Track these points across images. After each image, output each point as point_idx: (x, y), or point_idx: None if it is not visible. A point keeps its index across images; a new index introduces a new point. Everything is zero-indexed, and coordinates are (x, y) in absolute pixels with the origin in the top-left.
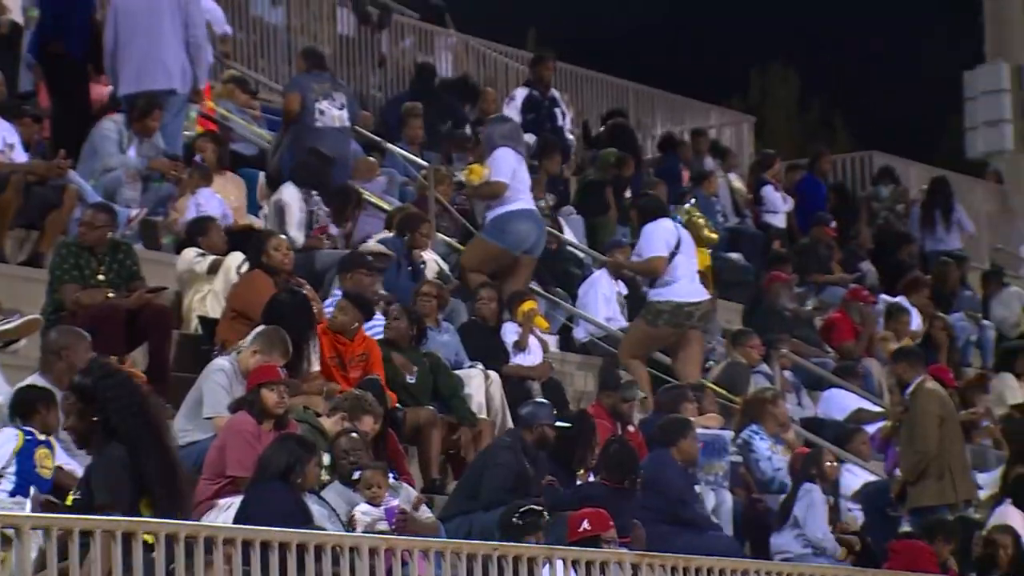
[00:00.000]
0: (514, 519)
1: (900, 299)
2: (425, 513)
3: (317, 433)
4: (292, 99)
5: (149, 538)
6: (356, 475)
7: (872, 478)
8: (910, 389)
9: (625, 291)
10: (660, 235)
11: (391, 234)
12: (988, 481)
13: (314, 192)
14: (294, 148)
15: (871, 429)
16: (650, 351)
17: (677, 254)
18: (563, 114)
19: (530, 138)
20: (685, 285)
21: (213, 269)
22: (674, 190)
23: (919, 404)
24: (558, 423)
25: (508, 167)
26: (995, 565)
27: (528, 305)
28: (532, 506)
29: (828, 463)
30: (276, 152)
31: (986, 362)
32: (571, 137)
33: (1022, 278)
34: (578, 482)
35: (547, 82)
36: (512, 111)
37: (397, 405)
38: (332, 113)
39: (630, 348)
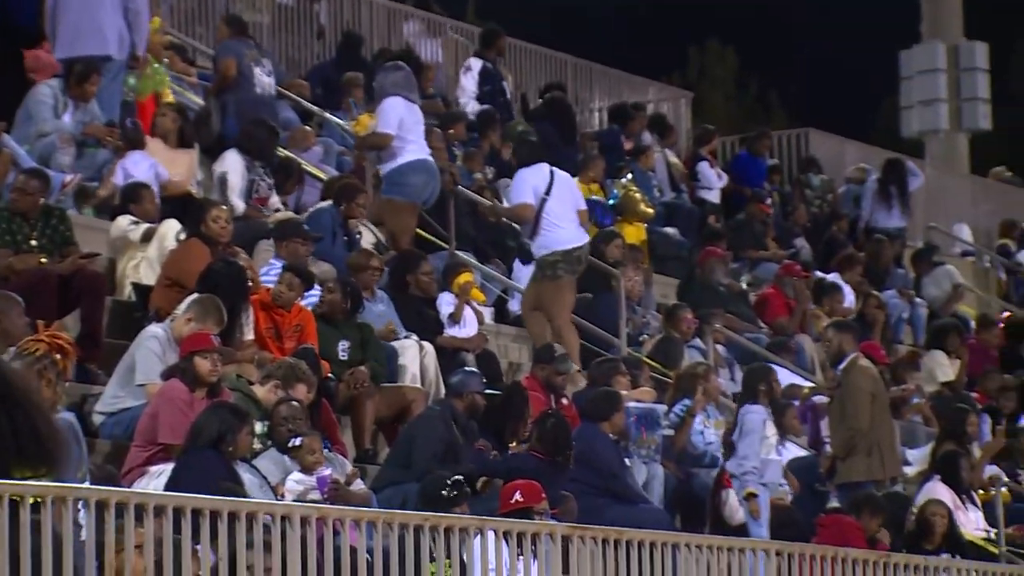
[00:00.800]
0: (443, 492)
1: (834, 276)
2: (359, 486)
3: (250, 401)
4: (229, 64)
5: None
6: (296, 442)
7: (802, 453)
8: (843, 365)
9: None
10: (528, 182)
11: (327, 203)
12: (918, 457)
13: (257, 162)
14: (239, 116)
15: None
16: (569, 305)
17: (548, 200)
18: (506, 87)
19: (479, 108)
20: (565, 231)
21: (147, 238)
22: (613, 162)
23: (851, 380)
24: (488, 391)
25: (395, 117)
26: (928, 539)
27: (464, 278)
28: (458, 478)
29: (774, 380)
30: (207, 119)
31: (917, 339)
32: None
33: (955, 257)
34: (509, 453)
35: (503, 54)
36: (469, 81)
37: (330, 375)
38: (263, 80)
39: (560, 314)
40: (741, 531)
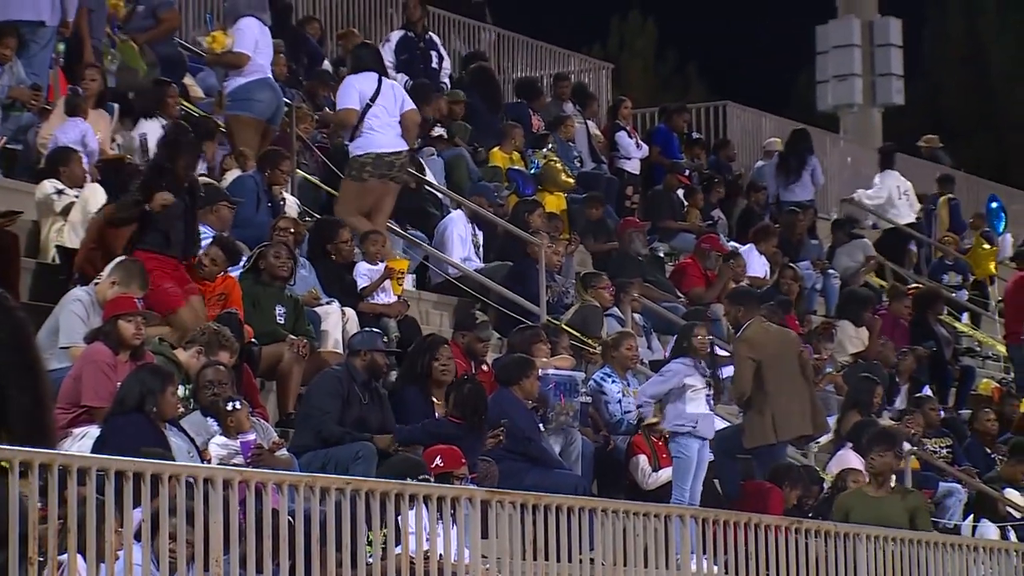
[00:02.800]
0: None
1: (749, 247)
2: (283, 453)
3: (173, 366)
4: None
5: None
6: (236, 405)
7: (724, 424)
8: (738, 334)
9: (481, 232)
10: (355, 88)
11: (251, 170)
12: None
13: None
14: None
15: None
16: (366, 206)
17: (373, 106)
18: (440, 57)
19: (403, 79)
20: (383, 136)
21: (66, 211)
22: (530, 134)
23: (735, 348)
24: (391, 349)
25: (252, 38)
26: None
27: (399, 266)
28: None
29: (698, 336)
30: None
31: (830, 310)
32: (446, 81)
33: (867, 228)
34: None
35: (416, 22)
36: (387, 52)
37: (253, 340)
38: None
39: (346, 208)
40: (663, 496)
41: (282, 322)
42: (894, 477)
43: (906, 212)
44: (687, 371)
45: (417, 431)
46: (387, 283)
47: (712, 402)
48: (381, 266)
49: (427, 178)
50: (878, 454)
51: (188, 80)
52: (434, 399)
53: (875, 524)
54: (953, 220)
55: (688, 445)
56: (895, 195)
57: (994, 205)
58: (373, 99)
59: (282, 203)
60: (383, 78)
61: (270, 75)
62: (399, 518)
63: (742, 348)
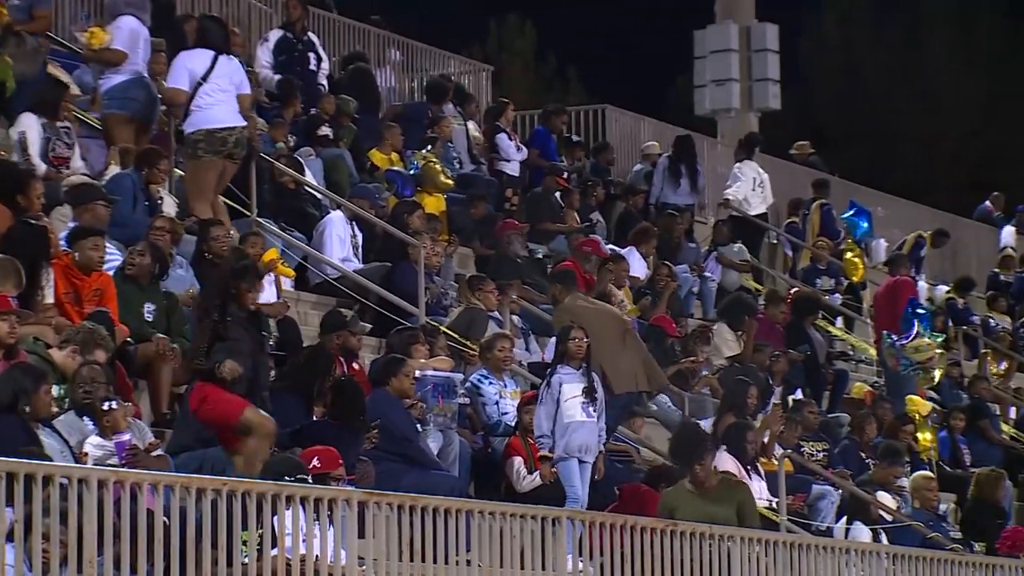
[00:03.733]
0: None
1: (629, 249)
2: (160, 454)
3: (47, 365)
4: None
5: None
6: (110, 405)
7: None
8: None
9: (360, 233)
10: (185, 66)
11: (128, 168)
12: (705, 427)
13: (59, 122)
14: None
15: None
16: (208, 185)
17: (205, 83)
18: (318, 58)
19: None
20: (214, 112)
21: None
22: (416, 135)
23: (555, 315)
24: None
25: (130, 36)
26: None
27: (269, 255)
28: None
29: (575, 340)
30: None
31: (707, 313)
32: (323, 82)
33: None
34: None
35: (295, 22)
36: (264, 52)
37: (128, 339)
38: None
39: (191, 191)
40: (554, 498)
41: (150, 320)
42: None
43: (757, 204)
44: (561, 379)
45: (294, 433)
46: (268, 282)
47: (591, 410)
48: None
49: (306, 178)
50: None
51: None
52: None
53: (702, 521)
54: (826, 225)
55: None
56: (751, 185)
57: (851, 213)
58: (205, 77)
59: (159, 202)
60: (221, 55)
61: (146, 74)
62: (275, 519)
63: (563, 315)
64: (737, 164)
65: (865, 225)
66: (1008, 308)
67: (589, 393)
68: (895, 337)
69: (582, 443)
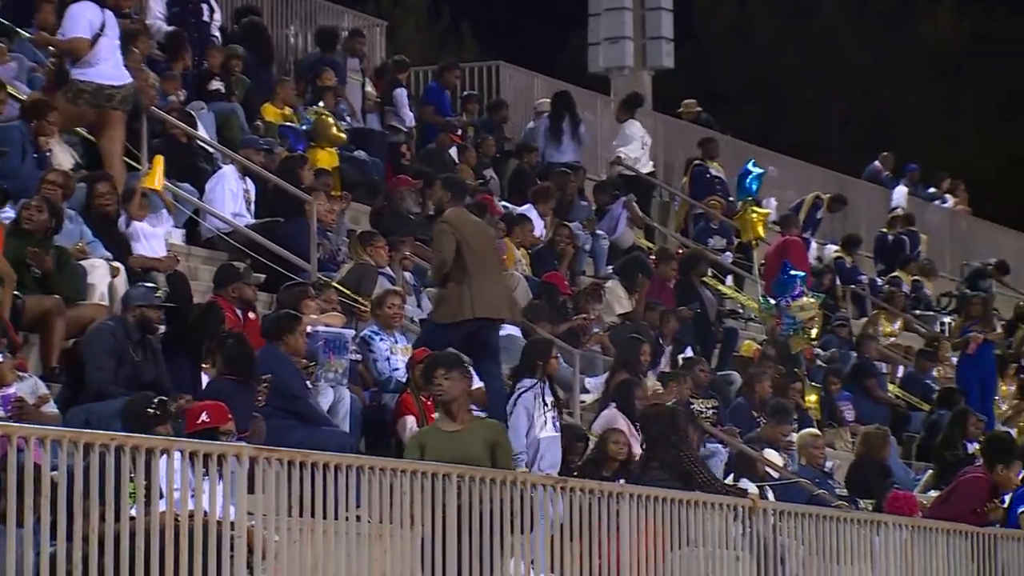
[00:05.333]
0: (148, 409)
1: (527, 207)
2: (50, 408)
3: None
4: None
5: None
6: None
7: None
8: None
9: (253, 187)
10: (83, 16)
11: (16, 120)
12: (596, 385)
13: None
14: None
15: None
16: (74, 126)
17: (101, 36)
18: (211, 10)
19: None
20: (107, 68)
21: None
22: (305, 88)
23: (438, 226)
24: (165, 303)
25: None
26: (606, 465)
27: (151, 179)
28: (163, 398)
29: (553, 357)
30: None
31: (599, 271)
32: (216, 34)
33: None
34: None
35: None
36: (157, 3)
37: (16, 293)
38: None
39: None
40: None
41: (40, 274)
42: (474, 409)
43: (646, 162)
44: (533, 392)
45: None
46: (150, 233)
47: (558, 424)
48: (159, 229)
49: (198, 132)
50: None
51: None
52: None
53: (453, 461)
54: (695, 185)
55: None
56: (639, 144)
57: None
58: (102, 29)
59: (48, 154)
60: (105, 9)
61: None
62: (164, 473)
63: (445, 225)
64: (624, 125)
65: (754, 187)
66: (888, 267)
67: (556, 405)
68: (783, 295)
69: (554, 461)
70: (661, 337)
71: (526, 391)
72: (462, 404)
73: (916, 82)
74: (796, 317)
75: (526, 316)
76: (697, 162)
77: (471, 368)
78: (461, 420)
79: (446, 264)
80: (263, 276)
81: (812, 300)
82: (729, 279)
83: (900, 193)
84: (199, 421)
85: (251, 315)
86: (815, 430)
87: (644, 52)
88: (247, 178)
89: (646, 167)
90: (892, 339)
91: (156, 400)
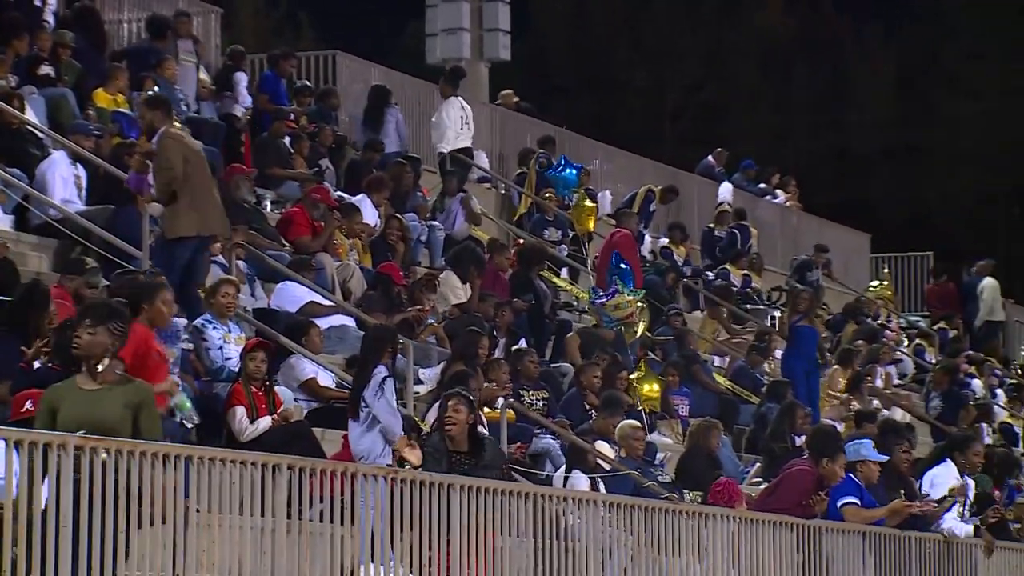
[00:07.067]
0: None
1: (361, 197)
2: None
3: None
4: None
5: None
6: None
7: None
8: (155, 139)
9: (84, 173)
10: None
11: None
12: (430, 376)
13: None
14: None
15: (322, 323)
16: None
17: None
18: None
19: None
20: None
21: None
22: (138, 75)
23: (161, 143)
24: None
25: None
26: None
27: None
28: None
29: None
30: None
31: (434, 261)
32: (49, 19)
33: (473, 183)
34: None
35: None
36: None
37: None
38: None
39: None
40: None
41: None
42: (121, 366)
43: (465, 140)
44: (390, 387)
45: (21, 376)
46: None
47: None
48: None
49: (27, 117)
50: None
51: None
52: (26, 348)
53: (90, 424)
54: (541, 179)
55: None
56: (457, 125)
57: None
58: None
59: None
60: None
61: None
62: None
63: (170, 141)
64: (441, 108)
65: (573, 176)
66: (715, 261)
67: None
68: (599, 293)
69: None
70: (495, 328)
71: (387, 377)
72: (105, 362)
73: (747, 76)
74: (612, 316)
75: (360, 306)
76: (540, 155)
77: (124, 327)
78: (102, 379)
79: (177, 178)
80: (105, 282)
81: (629, 298)
82: (564, 271)
83: (726, 188)
84: (23, 409)
85: None
86: (635, 422)
87: (481, 44)
88: (78, 164)
89: (464, 142)
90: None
91: None
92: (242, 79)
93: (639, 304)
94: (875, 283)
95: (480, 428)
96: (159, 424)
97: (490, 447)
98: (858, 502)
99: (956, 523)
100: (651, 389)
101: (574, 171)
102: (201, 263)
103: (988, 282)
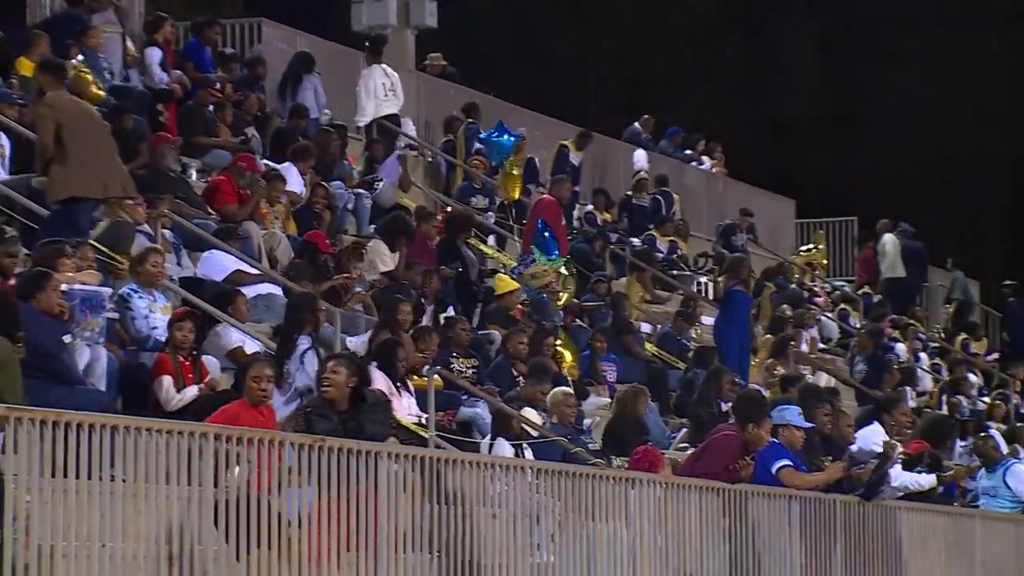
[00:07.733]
0: None
1: (287, 165)
2: None
3: None
4: None
5: None
6: None
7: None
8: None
9: (8, 143)
10: None
11: None
12: (357, 345)
13: None
14: None
15: (249, 292)
16: None
17: None
18: None
19: None
20: None
21: None
22: (62, 43)
23: (36, 111)
24: None
25: None
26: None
27: None
28: None
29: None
30: None
31: (362, 230)
32: None
33: (400, 150)
34: None
35: None
36: None
37: None
38: None
39: None
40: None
41: None
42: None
43: (392, 107)
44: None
45: None
46: None
47: None
48: None
49: None
50: None
51: None
52: None
53: None
54: (470, 146)
55: None
56: (381, 93)
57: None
58: None
59: None
60: None
61: None
62: None
63: (44, 110)
64: (361, 79)
65: (509, 143)
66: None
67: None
68: (516, 264)
69: None
70: (423, 296)
71: (308, 348)
72: None
73: (678, 46)
74: (530, 285)
75: (287, 275)
76: (471, 122)
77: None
78: None
79: (48, 148)
80: (24, 250)
81: (545, 267)
82: (491, 239)
83: (640, 155)
84: None
85: (11, 283)
86: (568, 388)
87: (408, 11)
88: (1, 133)
89: (390, 109)
90: (648, 305)
91: None
92: (155, 56)
93: (563, 272)
94: (807, 247)
95: (372, 391)
96: (20, 384)
97: (369, 406)
98: (792, 465)
99: (909, 476)
100: (566, 359)
101: (512, 138)
102: (83, 222)
103: (887, 238)
